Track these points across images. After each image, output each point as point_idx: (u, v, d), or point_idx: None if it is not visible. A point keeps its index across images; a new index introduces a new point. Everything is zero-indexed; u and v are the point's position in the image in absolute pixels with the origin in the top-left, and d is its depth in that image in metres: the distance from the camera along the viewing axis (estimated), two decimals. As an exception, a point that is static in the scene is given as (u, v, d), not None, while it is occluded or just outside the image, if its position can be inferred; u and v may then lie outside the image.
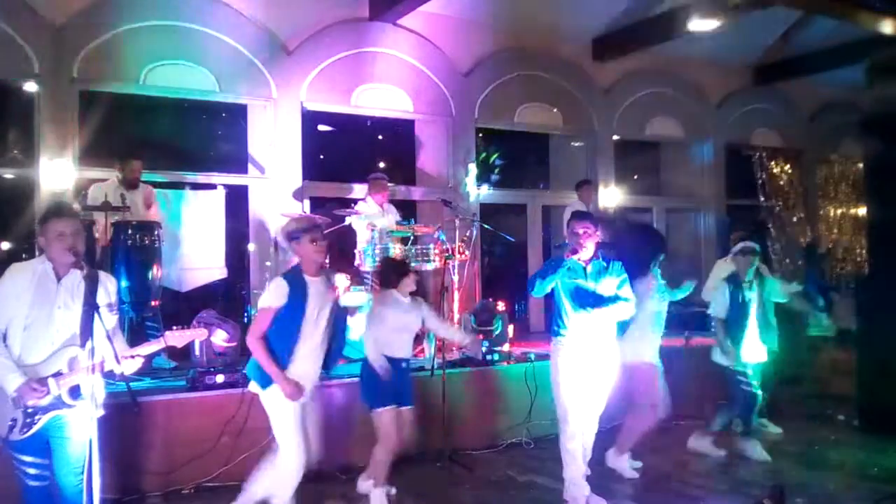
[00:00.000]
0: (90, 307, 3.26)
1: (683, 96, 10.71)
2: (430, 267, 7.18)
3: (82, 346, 3.35)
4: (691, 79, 10.69)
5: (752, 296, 5.80)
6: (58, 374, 3.39)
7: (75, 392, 3.40)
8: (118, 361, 3.37)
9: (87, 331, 3.33)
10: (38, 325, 3.41)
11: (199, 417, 5.16)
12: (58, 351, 3.41)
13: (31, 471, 3.46)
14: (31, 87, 7.01)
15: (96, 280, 3.43)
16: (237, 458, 5.10)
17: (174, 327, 3.74)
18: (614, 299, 4.64)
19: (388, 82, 8.62)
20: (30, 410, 3.36)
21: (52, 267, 3.47)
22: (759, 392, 5.79)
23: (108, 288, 3.57)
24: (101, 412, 3.44)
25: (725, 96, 11.12)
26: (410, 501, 4.97)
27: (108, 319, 3.45)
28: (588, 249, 4.61)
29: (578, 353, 4.65)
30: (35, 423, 3.38)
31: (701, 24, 8.26)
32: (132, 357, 3.51)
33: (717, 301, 5.88)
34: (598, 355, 4.69)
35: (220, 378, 5.32)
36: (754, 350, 5.79)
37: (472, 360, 6.53)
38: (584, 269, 4.66)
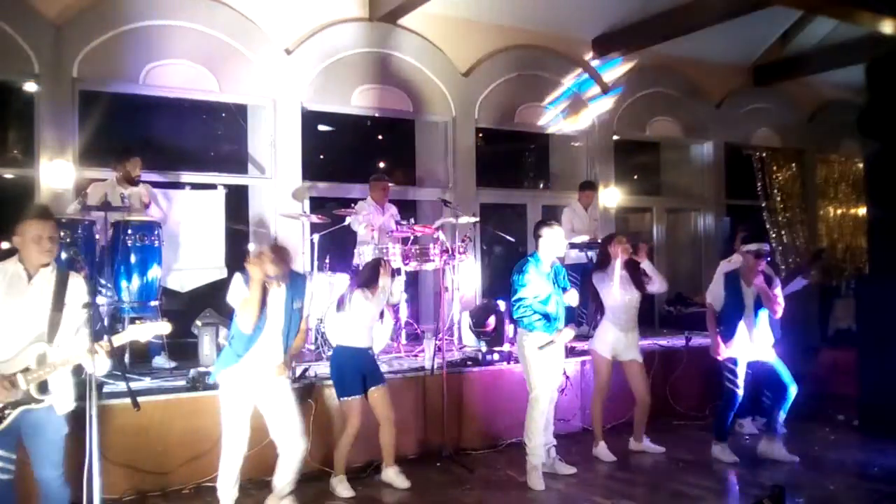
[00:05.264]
0: (59, 305, 3.36)
1: (683, 96, 10.71)
2: (430, 267, 7.20)
3: (50, 342, 3.45)
4: (691, 79, 10.68)
5: (752, 294, 5.78)
6: (26, 371, 3.44)
7: (44, 388, 3.47)
8: (87, 357, 3.40)
9: (54, 328, 3.44)
10: (6, 323, 3.47)
11: (199, 417, 5.15)
12: (25, 347, 3.46)
13: None
14: (31, 87, 7.01)
15: (66, 279, 3.53)
16: (237, 458, 5.11)
17: (137, 321, 3.77)
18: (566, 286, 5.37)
19: (388, 82, 8.61)
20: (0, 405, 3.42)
21: (23, 268, 3.54)
22: (741, 393, 5.73)
23: (79, 287, 3.61)
24: (72, 406, 3.49)
25: (725, 96, 11.11)
26: (410, 501, 4.98)
27: (77, 317, 3.53)
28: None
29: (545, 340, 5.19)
30: (5, 419, 3.43)
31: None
32: (95, 352, 3.43)
33: (714, 292, 5.95)
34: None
35: (218, 380, 5.30)
36: (755, 347, 5.77)
37: (472, 360, 6.54)
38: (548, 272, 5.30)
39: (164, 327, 3.83)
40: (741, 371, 5.74)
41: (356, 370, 5.08)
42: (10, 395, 3.41)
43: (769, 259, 5.76)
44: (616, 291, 5.81)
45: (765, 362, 5.80)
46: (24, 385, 3.43)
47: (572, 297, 5.36)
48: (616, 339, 5.87)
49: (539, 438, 5.23)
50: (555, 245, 5.30)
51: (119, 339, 3.61)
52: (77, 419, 3.57)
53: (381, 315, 5.31)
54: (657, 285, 5.96)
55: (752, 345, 5.73)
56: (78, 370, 3.53)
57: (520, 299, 5.20)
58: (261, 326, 4.31)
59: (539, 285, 5.20)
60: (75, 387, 3.60)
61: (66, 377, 3.55)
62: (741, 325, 5.72)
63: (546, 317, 5.19)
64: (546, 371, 5.25)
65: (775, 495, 4.28)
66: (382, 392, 5.17)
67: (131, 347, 6.04)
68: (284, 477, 4.45)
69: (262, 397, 4.41)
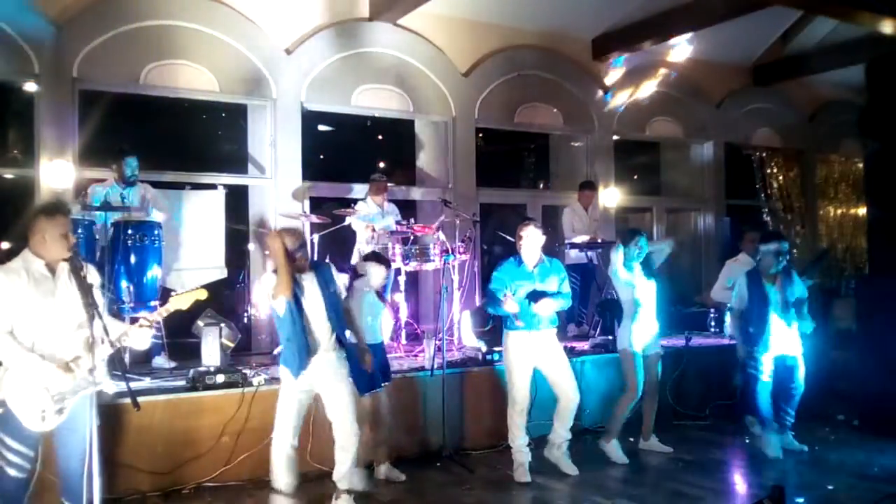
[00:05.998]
0: (86, 291, 3.41)
1: (683, 96, 10.70)
2: (430, 267, 7.20)
3: (89, 327, 3.46)
4: (691, 79, 10.68)
5: (774, 291, 5.85)
6: (77, 358, 3.52)
7: (93, 372, 3.53)
8: (110, 338, 3.46)
9: (91, 313, 3.45)
10: (46, 318, 3.54)
11: (199, 417, 5.16)
12: (71, 336, 3.55)
13: (15, 459, 3.52)
14: (31, 87, 7.00)
15: (79, 267, 3.57)
16: (237, 458, 5.11)
17: (173, 292, 3.82)
18: (556, 294, 5.34)
19: (388, 82, 8.61)
20: (58, 397, 3.49)
21: (44, 263, 3.60)
22: (766, 379, 5.82)
23: (91, 273, 3.69)
24: (115, 387, 3.54)
25: (725, 96, 11.11)
26: (410, 501, 4.98)
27: (101, 302, 3.62)
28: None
29: (527, 342, 5.31)
30: (66, 409, 3.51)
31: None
32: (141, 326, 3.66)
33: (737, 294, 6.05)
34: (544, 341, 5.35)
35: (220, 378, 5.32)
36: (783, 341, 5.87)
37: (473, 360, 6.54)
38: (531, 271, 5.38)
39: (201, 293, 3.86)
40: (766, 362, 5.82)
41: (377, 365, 5.13)
42: (69, 383, 3.49)
43: (788, 255, 5.83)
44: (631, 286, 5.82)
45: (788, 358, 5.90)
46: (80, 372, 3.51)
47: (542, 308, 5.28)
48: (640, 332, 5.78)
49: (521, 439, 5.35)
50: (533, 243, 5.39)
51: (163, 312, 3.73)
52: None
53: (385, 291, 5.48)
54: (666, 247, 6.05)
55: (783, 337, 5.84)
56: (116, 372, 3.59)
57: (487, 292, 5.42)
58: (302, 323, 4.44)
59: (515, 284, 5.30)
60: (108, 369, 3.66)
61: (102, 359, 3.60)
62: (771, 322, 5.82)
63: (494, 297, 5.30)
64: (524, 372, 5.32)
65: (775, 495, 4.28)
66: (388, 390, 5.30)
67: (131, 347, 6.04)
68: (338, 470, 4.54)
69: (319, 384, 4.55)
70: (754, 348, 5.86)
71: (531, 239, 5.39)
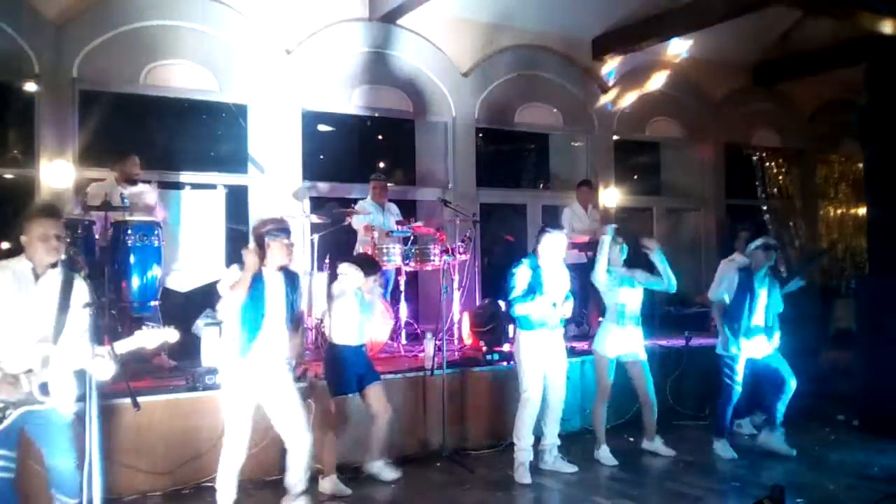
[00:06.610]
0: (65, 306, 3.37)
1: (683, 96, 10.70)
2: (429, 267, 7.20)
3: (55, 344, 3.44)
4: (691, 79, 10.68)
5: (761, 291, 5.86)
6: (29, 371, 3.42)
7: (44, 389, 3.45)
8: (91, 362, 3.37)
9: (59, 330, 3.44)
10: (14, 323, 3.45)
11: (199, 417, 5.16)
12: (30, 348, 3.45)
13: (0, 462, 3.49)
14: (31, 87, 7.01)
15: (72, 281, 3.53)
16: (237, 458, 5.11)
17: (145, 325, 3.70)
18: (567, 296, 5.43)
19: (388, 82, 8.62)
20: (1, 405, 3.40)
21: (31, 267, 3.53)
22: (739, 389, 5.84)
23: (83, 289, 3.61)
24: (75, 408, 3.48)
25: (725, 96, 11.11)
26: (410, 501, 4.98)
27: (81, 319, 3.51)
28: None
29: (542, 342, 5.37)
30: (6, 418, 3.41)
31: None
32: (101, 356, 3.43)
33: (724, 287, 6.01)
34: (555, 341, 5.43)
35: (220, 378, 5.30)
36: (755, 344, 5.86)
37: (473, 360, 6.54)
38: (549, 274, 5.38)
39: (171, 334, 3.67)
40: (740, 368, 5.81)
41: (352, 368, 5.09)
42: (12, 395, 3.40)
43: (777, 250, 5.85)
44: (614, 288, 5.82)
45: (765, 358, 5.89)
46: (27, 386, 3.41)
47: (568, 308, 5.44)
48: (618, 338, 5.82)
49: (528, 439, 5.36)
50: (551, 249, 5.37)
51: (125, 346, 3.56)
52: (80, 418, 3.55)
53: (386, 287, 5.36)
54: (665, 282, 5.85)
55: (762, 339, 5.84)
56: (81, 372, 3.51)
57: (511, 299, 5.34)
58: (260, 320, 4.33)
59: (532, 286, 5.29)
60: (77, 388, 3.57)
61: (68, 379, 3.52)
62: (753, 321, 5.82)
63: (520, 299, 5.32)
64: (539, 372, 5.34)
65: (775, 495, 4.28)
66: (379, 388, 5.19)
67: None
68: (295, 474, 4.48)
69: (265, 394, 4.42)
70: (734, 344, 5.81)
71: (558, 246, 5.40)
